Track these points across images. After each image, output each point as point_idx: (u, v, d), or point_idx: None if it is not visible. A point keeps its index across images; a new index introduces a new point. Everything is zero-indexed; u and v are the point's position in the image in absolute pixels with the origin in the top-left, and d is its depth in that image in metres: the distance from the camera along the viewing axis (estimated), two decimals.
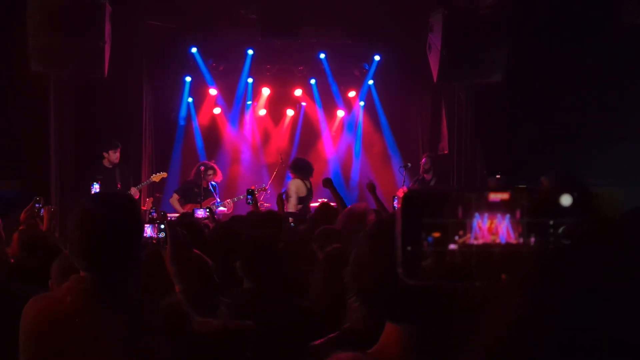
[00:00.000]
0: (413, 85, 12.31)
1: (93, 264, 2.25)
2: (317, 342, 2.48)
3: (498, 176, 8.72)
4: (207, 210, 8.15)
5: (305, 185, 9.45)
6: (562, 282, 0.61)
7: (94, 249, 2.24)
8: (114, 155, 9.67)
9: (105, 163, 9.67)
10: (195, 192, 10.14)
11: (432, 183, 10.38)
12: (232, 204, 10.55)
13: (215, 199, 10.41)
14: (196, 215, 8.28)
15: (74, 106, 9.40)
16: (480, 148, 10.23)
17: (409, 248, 0.85)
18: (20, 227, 4.55)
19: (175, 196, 10.40)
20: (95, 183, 9.09)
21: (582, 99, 9.17)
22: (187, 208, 9.78)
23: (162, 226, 2.89)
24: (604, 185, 8.58)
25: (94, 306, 2.20)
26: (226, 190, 12.03)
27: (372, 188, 6.93)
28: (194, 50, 12.10)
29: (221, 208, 10.34)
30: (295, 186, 9.40)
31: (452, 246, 0.85)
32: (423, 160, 10.63)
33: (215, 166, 10.65)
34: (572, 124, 9.24)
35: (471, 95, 10.10)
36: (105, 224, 2.25)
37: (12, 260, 4.11)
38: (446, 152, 11.10)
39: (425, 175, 10.48)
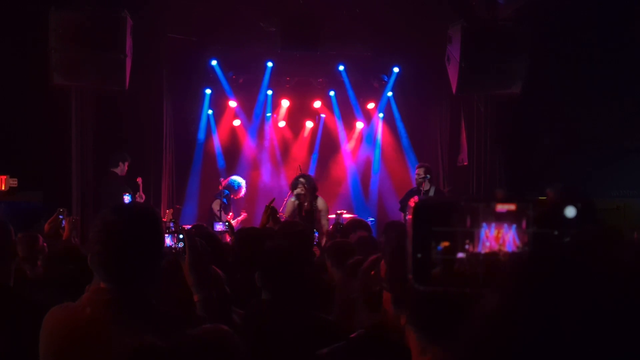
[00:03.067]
0: (432, 96, 12.30)
1: (113, 275, 2.26)
2: (323, 351, 2.48)
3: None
4: (226, 224, 8.18)
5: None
6: (555, 287, 0.62)
7: (115, 260, 2.25)
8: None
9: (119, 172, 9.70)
10: (226, 201, 10.28)
11: (430, 194, 9.81)
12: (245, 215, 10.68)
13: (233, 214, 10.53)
14: (215, 228, 8.32)
15: (95, 118, 9.51)
16: (500, 159, 10.19)
17: (419, 255, 0.87)
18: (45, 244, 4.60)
19: (218, 201, 10.48)
20: (127, 194, 9.13)
21: (603, 109, 9.12)
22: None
23: (181, 236, 2.91)
24: (627, 196, 8.52)
25: (114, 317, 2.21)
26: (245, 202, 12.09)
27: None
28: (214, 62, 12.20)
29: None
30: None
31: (460, 255, 0.87)
32: (416, 170, 10.14)
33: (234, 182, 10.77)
34: (592, 134, 9.19)
35: (490, 107, 10.07)
36: (126, 235, 2.26)
37: (28, 272, 4.16)
38: (466, 163, 11.06)
39: (422, 187, 9.91)
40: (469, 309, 0.69)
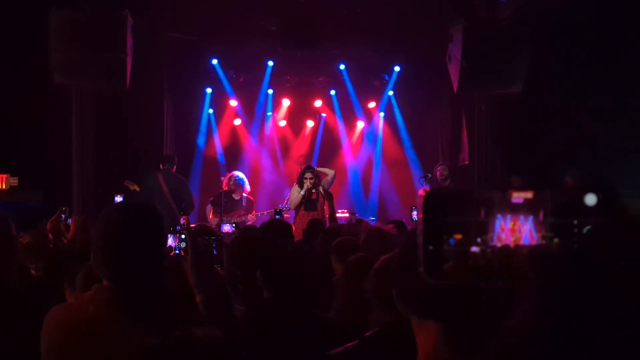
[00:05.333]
0: (433, 95, 12.28)
1: (116, 273, 2.25)
2: (335, 351, 2.47)
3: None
4: (234, 225, 8.14)
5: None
6: (586, 282, 0.61)
7: (117, 258, 2.24)
8: None
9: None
10: (222, 202, 10.19)
11: None
12: (254, 219, 10.54)
13: (241, 211, 10.42)
14: (222, 230, 8.28)
15: (96, 118, 9.50)
16: (501, 158, 10.18)
17: (430, 247, 0.85)
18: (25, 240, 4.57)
19: (210, 207, 10.47)
20: (117, 196, 9.12)
21: (603, 108, 9.10)
22: (215, 217, 9.88)
23: (183, 236, 2.89)
24: (627, 196, 8.49)
25: (116, 316, 2.19)
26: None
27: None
28: (214, 61, 12.18)
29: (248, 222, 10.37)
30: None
31: (474, 248, 0.85)
32: (439, 168, 10.44)
33: (232, 176, 10.69)
34: (593, 134, 9.17)
35: (491, 106, 10.07)
36: (129, 233, 2.25)
37: (33, 272, 4.14)
38: (467, 162, 11.05)
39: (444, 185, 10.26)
40: (508, 306, 0.67)
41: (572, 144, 9.28)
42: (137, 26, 8.92)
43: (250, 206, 10.61)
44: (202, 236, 4.98)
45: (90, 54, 8.47)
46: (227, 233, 8.17)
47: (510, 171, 9.96)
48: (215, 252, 4.21)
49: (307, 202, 9.11)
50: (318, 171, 9.50)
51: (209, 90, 12.65)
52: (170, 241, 3.99)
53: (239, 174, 10.65)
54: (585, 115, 9.26)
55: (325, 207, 9.17)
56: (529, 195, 0.85)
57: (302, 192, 9.20)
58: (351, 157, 13.49)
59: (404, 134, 13.19)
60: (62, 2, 8.46)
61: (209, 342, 2.11)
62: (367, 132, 13.57)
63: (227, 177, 10.52)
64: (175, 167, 9.94)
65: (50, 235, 5.00)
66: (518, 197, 0.85)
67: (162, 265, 2.38)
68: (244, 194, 10.54)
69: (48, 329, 2.22)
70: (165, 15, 10.26)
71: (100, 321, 2.18)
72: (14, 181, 8.66)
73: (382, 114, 13.35)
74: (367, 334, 2.54)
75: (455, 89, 9.44)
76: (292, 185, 11.28)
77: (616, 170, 8.49)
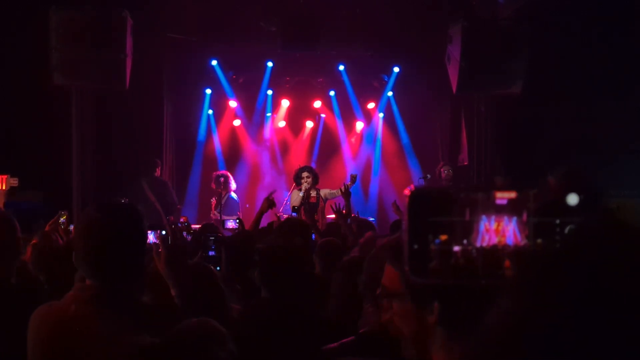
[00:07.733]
0: (432, 96, 12.27)
1: (97, 272, 2.28)
2: (330, 346, 2.47)
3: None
4: (237, 220, 8.15)
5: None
6: (567, 281, 0.62)
7: (98, 257, 2.27)
8: None
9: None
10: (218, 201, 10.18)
11: None
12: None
13: (234, 210, 10.42)
14: (226, 225, 8.29)
15: (96, 118, 9.50)
16: (501, 159, 10.17)
17: (415, 246, 0.85)
18: (34, 241, 4.59)
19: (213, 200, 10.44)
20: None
21: (604, 109, 9.10)
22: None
23: (164, 232, 2.91)
24: (627, 196, 8.50)
25: (98, 314, 2.22)
26: (246, 202, 12.07)
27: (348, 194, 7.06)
28: (214, 62, 12.18)
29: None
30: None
31: (457, 248, 0.85)
32: (443, 169, 10.40)
33: (224, 174, 10.69)
34: (593, 134, 9.17)
35: (491, 106, 10.05)
36: (109, 232, 2.28)
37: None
38: (466, 163, 11.05)
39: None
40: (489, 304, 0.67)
41: (572, 144, 9.28)
42: (137, 26, 8.92)
43: (230, 206, 10.49)
44: (204, 234, 5.02)
45: (90, 54, 8.47)
46: (232, 229, 8.18)
47: (510, 172, 9.98)
48: (213, 251, 4.22)
49: (307, 205, 9.06)
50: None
51: (208, 91, 12.66)
52: (152, 237, 4.01)
53: (221, 173, 10.66)
54: (585, 116, 9.25)
55: (326, 211, 9.16)
56: (512, 195, 0.85)
57: (302, 194, 9.19)
58: (350, 158, 13.49)
59: (403, 134, 13.19)
60: (62, 2, 8.46)
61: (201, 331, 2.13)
62: (366, 133, 13.57)
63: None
64: (158, 170, 10.02)
65: (59, 238, 5.02)
66: (502, 197, 0.85)
67: (143, 262, 2.40)
68: (232, 194, 10.50)
69: (33, 328, 2.26)
70: (165, 15, 10.25)
71: (82, 319, 2.21)
72: (14, 182, 8.67)
73: (381, 115, 13.35)
74: (361, 330, 2.55)
75: (454, 89, 9.43)
76: (290, 187, 11.29)
77: (616, 171, 8.50)
